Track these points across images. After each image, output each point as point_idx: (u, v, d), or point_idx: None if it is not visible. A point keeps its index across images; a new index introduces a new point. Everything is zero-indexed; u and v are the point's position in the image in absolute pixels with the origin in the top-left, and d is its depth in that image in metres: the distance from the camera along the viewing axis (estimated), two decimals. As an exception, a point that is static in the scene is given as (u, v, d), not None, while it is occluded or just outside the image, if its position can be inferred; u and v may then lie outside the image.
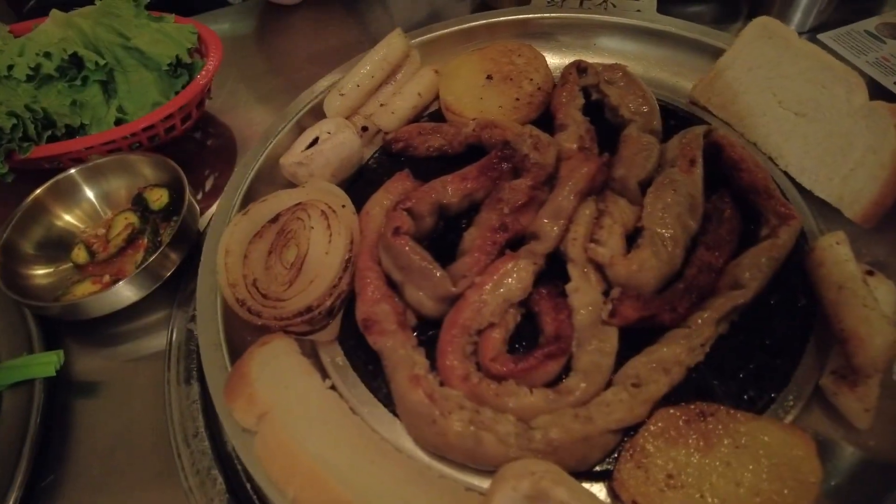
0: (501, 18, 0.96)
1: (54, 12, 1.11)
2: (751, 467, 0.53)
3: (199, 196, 0.99)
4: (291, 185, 0.82)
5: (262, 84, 1.22)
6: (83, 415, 0.74)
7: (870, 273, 0.66)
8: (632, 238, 0.69)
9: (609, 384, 0.59)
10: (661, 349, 0.59)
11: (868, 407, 0.56)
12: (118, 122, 0.97)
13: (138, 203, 0.89)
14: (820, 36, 1.13)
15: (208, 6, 1.60)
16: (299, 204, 0.73)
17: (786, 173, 0.79)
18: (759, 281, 0.62)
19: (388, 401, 0.62)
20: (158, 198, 0.89)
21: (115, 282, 0.79)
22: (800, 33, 1.12)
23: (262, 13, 1.38)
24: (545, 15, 0.96)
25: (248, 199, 0.79)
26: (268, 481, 0.54)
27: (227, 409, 0.57)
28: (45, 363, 0.73)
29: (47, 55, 0.98)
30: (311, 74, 1.22)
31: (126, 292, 0.77)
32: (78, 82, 0.99)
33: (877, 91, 1.02)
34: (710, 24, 1.20)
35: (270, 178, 0.83)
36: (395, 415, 0.61)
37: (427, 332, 0.66)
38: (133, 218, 0.88)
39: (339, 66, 0.96)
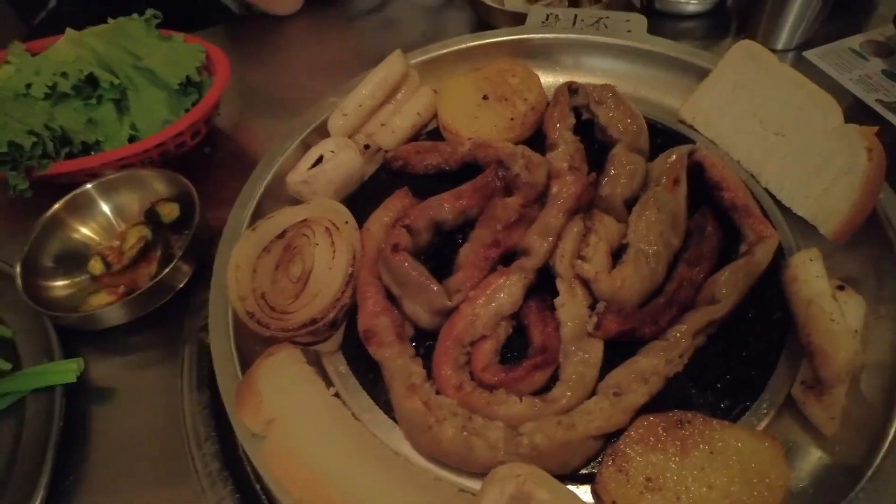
0: (497, 39, 1.00)
1: (69, 31, 1.15)
2: (723, 472, 0.57)
3: (209, 208, 1.03)
4: (297, 200, 0.86)
5: (265, 97, 1.26)
6: (100, 419, 0.78)
7: (841, 288, 0.70)
8: (618, 253, 0.74)
9: (594, 393, 0.64)
10: (641, 360, 0.63)
11: (833, 415, 0.60)
12: (131, 139, 1.02)
13: (150, 217, 0.94)
14: (806, 53, 1.17)
15: (213, 19, 1.65)
16: (304, 220, 0.77)
17: (766, 190, 0.83)
18: (735, 296, 0.66)
19: (387, 408, 0.66)
20: (170, 211, 0.93)
21: (130, 292, 0.84)
22: (786, 50, 1.18)
23: (264, 27, 1.43)
24: (539, 36, 1.00)
25: (257, 215, 0.83)
26: (275, 483, 0.59)
27: (238, 416, 0.61)
28: (66, 370, 0.78)
29: (64, 75, 1.03)
30: (313, 87, 1.27)
31: (141, 303, 0.82)
32: (93, 101, 1.04)
33: (859, 109, 1.06)
34: (701, 40, 1.26)
35: (278, 194, 0.88)
36: (394, 421, 0.65)
37: (424, 343, 0.71)
38: (146, 231, 0.92)
39: (341, 78, 0.99)
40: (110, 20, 1.18)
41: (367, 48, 1.37)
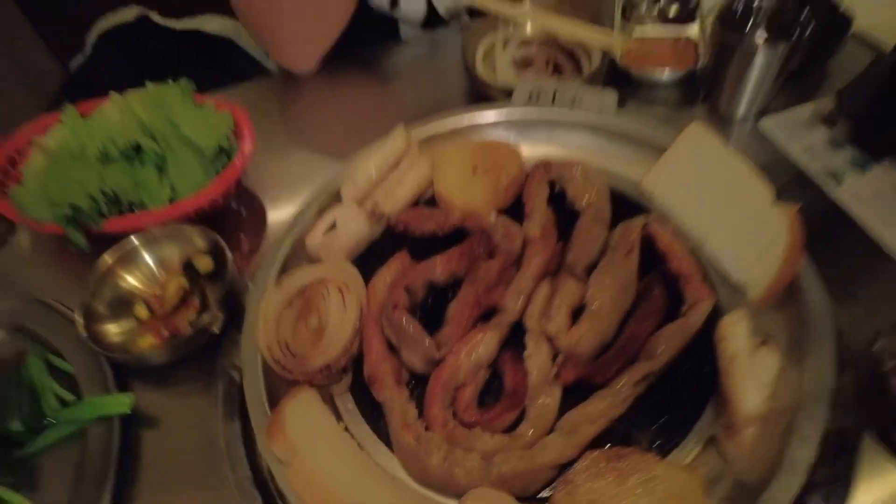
0: (487, 119, 1.16)
1: (114, 96, 1.32)
2: (652, 497, 0.72)
3: (236, 256, 1.18)
4: (315, 257, 1.02)
5: (284, 154, 1.42)
6: (148, 442, 0.94)
7: (764, 343, 0.84)
8: (580, 310, 0.89)
9: (552, 430, 0.79)
10: (591, 404, 0.78)
11: (742, 453, 0.75)
12: (170, 199, 1.18)
13: (188, 268, 1.10)
14: (763, 120, 1.32)
15: (245, 71, 1.81)
16: (321, 279, 0.93)
17: (710, 259, 0.98)
18: (670, 352, 0.81)
19: (387, 440, 0.82)
20: (205, 264, 1.09)
21: (173, 336, 1.00)
22: (746, 118, 1.33)
23: (284, 86, 1.59)
24: (520, 117, 1.16)
25: (282, 271, 0.99)
26: (297, 499, 0.74)
27: (268, 446, 0.77)
28: (121, 403, 0.93)
29: (112, 140, 1.19)
30: (330, 146, 1.42)
31: (183, 346, 0.97)
32: (137, 163, 1.20)
33: (802, 176, 1.20)
34: (673, 106, 1.41)
35: (299, 252, 1.03)
36: (392, 451, 0.81)
37: (417, 385, 0.87)
38: (184, 282, 1.08)
39: (359, 137, 1.16)
40: (149, 84, 1.34)
41: (383, 110, 1.52)
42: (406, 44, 1.72)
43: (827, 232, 1.11)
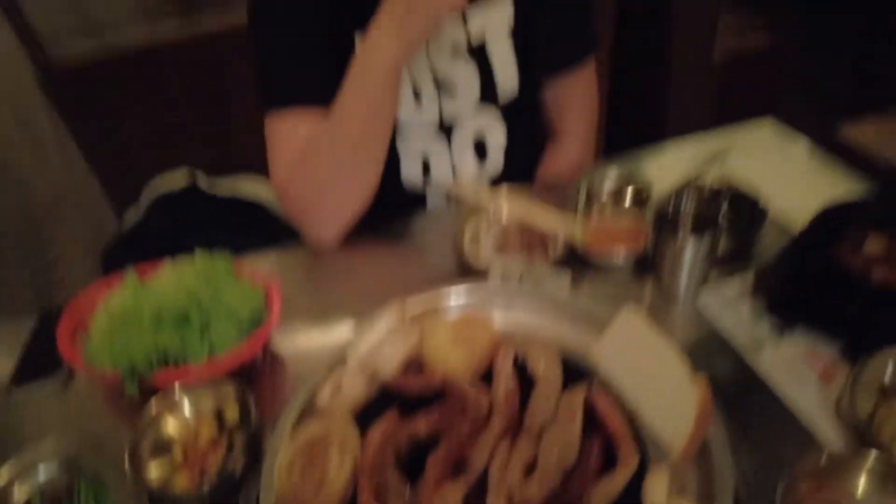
0: (467, 295, 1.45)
1: (168, 265, 1.62)
2: None
3: (260, 408, 1.41)
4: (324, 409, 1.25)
5: (306, 316, 1.65)
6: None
7: (680, 494, 1.05)
8: (533, 464, 1.11)
9: (506, 567, 0.98)
10: (536, 546, 0.98)
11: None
12: (208, 355, 1.44)
13: (218, 416, 1.33)
14: (700, 297, 1.58)
15: (277, 233, 2.12)
16: (325, 437, 1.16)
17: (643, 421, 1.20)
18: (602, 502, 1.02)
19: (373, 573, 1.00)
20: (233, 414, 1.32)
21: (202, 481, 1.21)
22: (685, 296, 1.59)
23: (310, 254, 1.88)
24: (492, 294, 1.45)
25: (297, 422, 1.22)
26: None
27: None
28: (158, 533, 1.13)
29: (167, 308, 1.48)
30: (346, 309, 1.65)
31: (211, 490, 1.18)
32: (184, 326, 1.48)
33: (727, 346, 1.45)
34: (624, 284, 1.67)
35: (311, 405, 1.27)
36: (376, 584, 0.99)
37: (399, 528, 1.07)
38: (214, 429, 1.31)
39: (372, 302, 1.43)
40: (197, 253, 1.65)
41: (397, 278, 1.75)
42: (428, 217, 2.00)
43: (749, 394, 1.34)
